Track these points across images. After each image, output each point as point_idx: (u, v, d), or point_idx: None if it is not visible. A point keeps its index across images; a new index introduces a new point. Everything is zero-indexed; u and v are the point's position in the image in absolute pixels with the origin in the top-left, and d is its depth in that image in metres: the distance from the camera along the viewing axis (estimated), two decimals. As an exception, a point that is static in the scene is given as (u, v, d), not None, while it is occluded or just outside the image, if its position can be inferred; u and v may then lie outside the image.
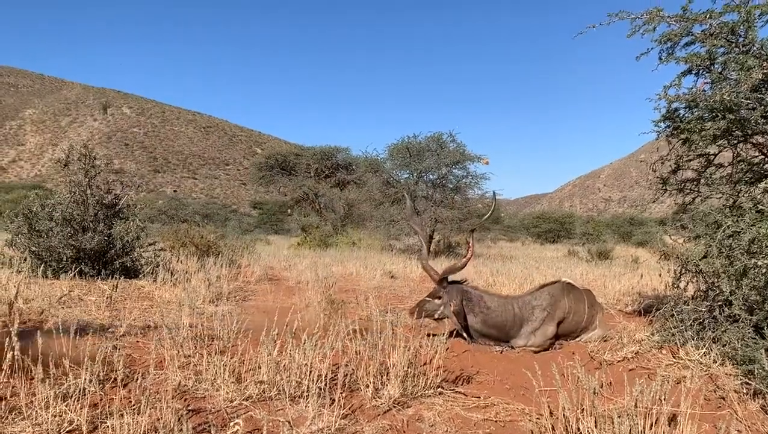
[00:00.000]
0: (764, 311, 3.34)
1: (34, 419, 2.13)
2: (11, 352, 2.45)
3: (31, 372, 2.26)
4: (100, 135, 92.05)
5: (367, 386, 2.72)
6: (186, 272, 6.46)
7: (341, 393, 2.46)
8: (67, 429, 2.11)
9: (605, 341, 4.17)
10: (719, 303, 3.69)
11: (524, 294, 4.24)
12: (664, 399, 2.29)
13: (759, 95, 3.56)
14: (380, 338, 2.92)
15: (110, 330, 3.70)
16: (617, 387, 2.86)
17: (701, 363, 3.39)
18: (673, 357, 3.64)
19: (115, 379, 2.47)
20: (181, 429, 2.02)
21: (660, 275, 4.73)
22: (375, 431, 2.34)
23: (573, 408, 2.28)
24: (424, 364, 2.94)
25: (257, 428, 2.25)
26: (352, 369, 2.86)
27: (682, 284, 4.19)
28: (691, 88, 3.97)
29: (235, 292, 5.96)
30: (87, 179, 5.97)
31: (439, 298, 4.03)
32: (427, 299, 4.11)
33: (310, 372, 2.58)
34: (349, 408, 2.54)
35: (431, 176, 14.41)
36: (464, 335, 4.03)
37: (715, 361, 3.37)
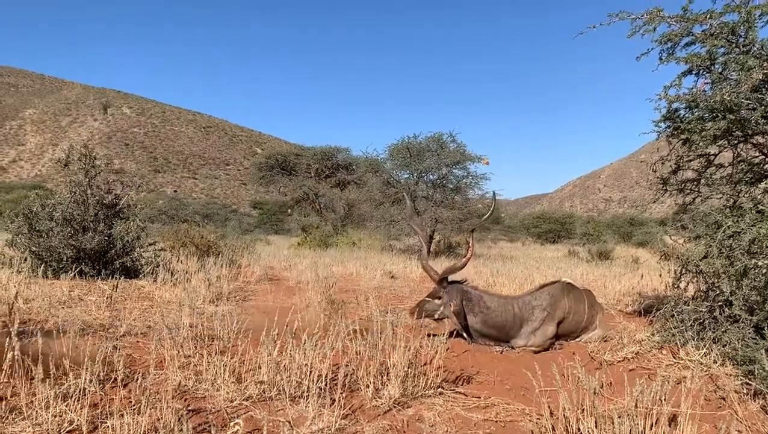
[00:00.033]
0: (764, 311, 3.34)
1: (35, 419, 2.13)
2: (11, 352, 2.45)
3: (32, 372, 2.26)
4: (100, 135, 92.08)
5: (368, 386, 2.72)
6: (186, 272, 6.46)
7: (341, 393, 2.46)
8: (68, 429, 2.11)
9: (605, 341, 4.17)
10: (719, 304, 3.69)
11: (524, 294, 4.24)
12: (665, 400, 2.29)
13: (759, 96, 3.56)
14: (380, 338, 2.92)
15: (110, 330, 3.70)
16: (617, 388, 2.86)
17: (701, 364, 3.39)
18: (674, 358, 3.64)
19: (116, 379, 2.46)
20: (182, 429, 2.02)
21: (660, 276, 4.72)
22: (375, 431, 2.34)
23: (573, 408, 2.28)
24: (425, 364, 2.94)
25: (257, 428, 2.25)
26: (353, 369, 2.86)
27: (682, 285, 4.18)
28: (692, 89, 3.97)
29: (235, 292, 5.96)
30: (87, 179, 5.97)
31: (439, 298, 4.03)
32: (427, 299, 4.11)
33: (311, 372, 2.58)
34: (350, 408, 2.54)
35: (431, 177, 14.41)
36: (464, 335, 4.03)
37: (715, 361, 3.37)
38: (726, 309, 3.60)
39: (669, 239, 4.68)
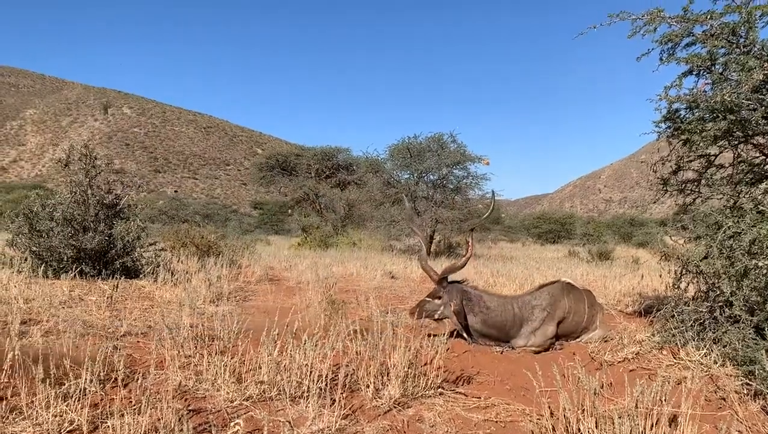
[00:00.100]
0: (765, 312, 3.34)
1: (35, 419, 2.13)
2: (12, 352, 2.45)
3: (32, 372, 2.26)
4: (100, 135, 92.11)
5: (368, 386, 2.72)
6: (186, 273, 6.46)
7: (342, 393, 2.46)
8: (68, 429, 2.11)
9: (606, 341, 4.16)
10: (720, 304, 3.69)
11: (524, 294, 4.24)
12: (665, 400, 2.29)
13: (760, 96, 3.56)
14: (381, 338, 2.92)
15: (111, 330, 3.70)
16: (618, 388, 2.86)
17: (702, 364, 3.39)
18: (674, 358, 3.64)
19: (116, 379, 2.47)
20: (182, 429, 2.02)
21: (660, 276, 4.72)
22: (375, 431, 2.34)
23: (574, 408, 2.28)
24: (425, 364, 2.94)
25: (258, 428, 2.25)
26: (353, 370, 2.86)
27: (682, 285, 4.18)
28: (692, 89, 3.97)
29: (235, 292, 5.95)
30: (88, 179, 5.97)
31: (439, 298, 4.03)
32: (427, 299, 4.11)
33: (311, 372, 2.58)
34: (350, 409, 2.54)
35: (432, 177, 14.41)
36: (464, 335, 4.03)
37: (715, 362, 3.37)
38: (726, 310, 3.59)
39: (669, 240, 4.68)
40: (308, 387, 2.53)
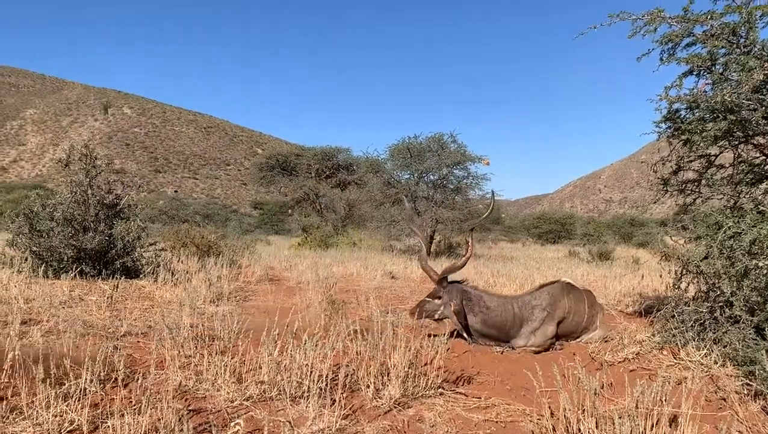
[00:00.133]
0: (765, 312, 3.34)
1: (35, 419, 2.13)
2: (12, 352, 2.45)
3: (32, 371, 2.26)
4: (101, 135, 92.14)
5: (368, 386, 2.72)
6: (187, 273, 6.46)
7: (342, 393, 2.46)
8: (68, 429, 2.11)
9: (606, 342, 4.16)
10: (720, 304, 3.69)
11: (524, 294, 4.24)
12: (665, 400, 2.29)
13: (760, 96, 3.56)
14: (381, 338, 2.92)
15: (111, 330, 3.70)
16: (618, 388, 2.86)
17: (702, 364, 3.39)
18: (674, 358, 3.63)
19: (116, 379, 2.46)
20: (182, 429, 2.02)
21: (661, 276, 4.72)
22: (376, 431, 2.34)
23: (574, 408, 2.28)
24: (425, 365, 2.94)
25: (258, 428, 2.25)
26: (353, 370, 2.86)
27: (683, 285, 4.18)
28: (692, 89, 3.97)
29: (235, 292, 5.96)
30: (88, 179, 5.97)
31: (439, 298, 4.03)
32: (427, 299, 4.11)
33: (311, 372, 2.58)
34: (350, 409, 2.54)
35: (432, 177, 14.41)
36: (464, 335, 4.03)
37: (716, 362, 3.37)
38: (727, 310, 3.59)
39: (670, 240, 4.68)
40: (308, 387, 2.53)
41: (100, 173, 6.10)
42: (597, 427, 2.22)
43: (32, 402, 2.20)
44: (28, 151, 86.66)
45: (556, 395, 2.41)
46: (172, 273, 6.03)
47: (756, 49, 3.65)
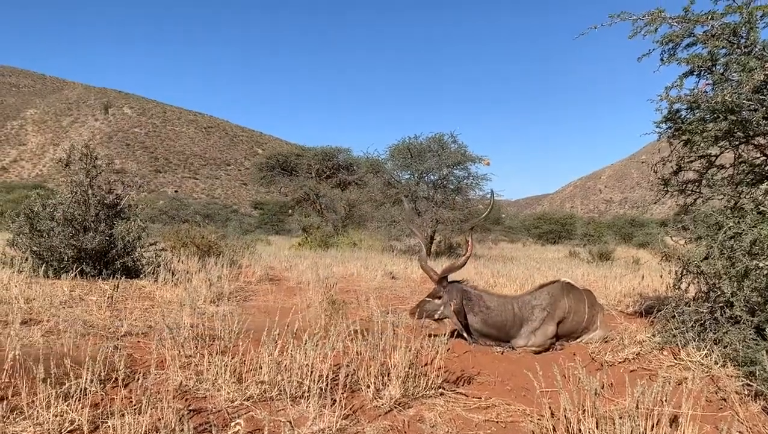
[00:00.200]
0: (766, 312, 3.34)
1: (36, 419, 2.13)
2: (12, 352, 2.45)
3: (33, 371, 2.26)
4: (101, 135, 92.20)
5: (368, 386, 2.72)
6: (187, 272, 6.46)
7: (342, 393, 2.46)
8: (69, 429, 2.11)
9: (606, 342, 4.16)
10: (720, 305, 3.69)
11: (524, 294, 4.24)
12: (666, 401, 2.29)
13: (761, 97, 3.56)
14: (381, 338, 2.92)
15: (111, 329, 3.70)
16: (618, 388, 2.86)
17: (702, 365, 3.39)
18: (675, 359, 3.63)
19: (117, 379, 2.46)
20: (182, 429, 2.02)
21: (661, 277, 4.72)
22: (376, 431, 2.34)
23: (574, 409, 2.28)
24: (425, 365, 2.94)
25: (258, 428, 2.25)
26: (353, 370, 2.86)
27: (683, 286, 4.18)
28: (693, 90, 3.97)
29: (236, 292, 5.96)
30: (88, 179, 5.97)
31: (439, 298, 4.03)
32: (428, 299, 4.11)
33: (311, 372, 2.58)
34: (351, 409, 2.54)
35: (432, 177, 14.41)
36: (465, 335, 4.03)
37: (716, 362, 3.37)
38: (727, 310, 3.59)
39: (670, 240, 4.68)
40: (309, 387, 2.53)
41: (100, 173, 6.10)
42: (597, 427, 2.22)
43: (33, 401, 2.20)
44: (28, 151, 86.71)
45: (556, 395, 2.41)
46: (173, 273, 6.03)
47: (756, 49, 3.64)
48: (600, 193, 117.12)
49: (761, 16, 3.63)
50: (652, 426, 2.21)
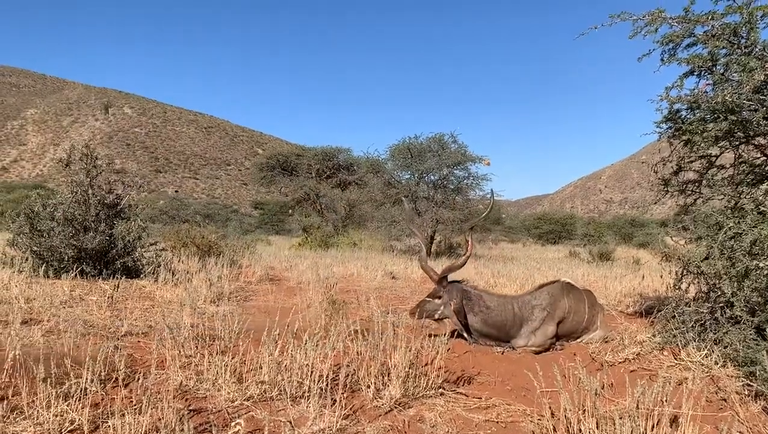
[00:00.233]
0: (766, 312, 3.34)
1: (36, 418, 2.14)
2: (13, 352, 2.45)
3: (33, 371, 2.26)
4: (101, 135, 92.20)
5: (369, 386, 2.72)
6: (187, 272, 6.46)
7: (342, 393, 2.46)
8: (69, 429, 2.12)
9: (606, 342, 4.16)
10: (721, 305, 3.69)
11: (524, 294, 4.24)
12: (666, 401, 2.29)
13: (761, 97, 3.56)
14: (381, 338, 2.92)
15: (111, 329, 3.70)
16: (619, 389, 2.86)
17: (703, 365, 3.39)
18: (675, 359, 3.63)
19: (117, 379, 2.47)
20: (183, 429, 2.02)
21: (661, 277, 4.72)
22: (376, 431, 2.34)
23: (574, 409, 2.28)
24: (426, 365, 2.94)
25: (258, 428, 2.25)
26: (354, 370, 2.86)
27: (683, 286, 4.18)
28: (693, 90, 3.97)
29: (236, 292, 5.96)
30: (88, 179, 5.97)
31: (439, 298, 4.03)
32: (428, 299, 4.11)
33: (312, 372, 2.58)
34: (351, 409, 2.54)
35: (432, 177, 14.40)
36: (465, 335, 4.03)
37: (716, 363, 3.37)
38: (727, 310, 3.59)
39: (670, 240, 4.68)
40: (309, 387, 2.53)
41: (100, 172, 6.10)
42: (598, 427, 2.22)
43: (33, 401, 2.20)
44: (28, 151, 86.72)
45: (556, 395, 2.41)
46: (173, 273, 6.03)
47: (757, 49, 3.64)
48: (600, 193, 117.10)
49: (761, 17, 3.63)
50: (653, 427, 2.21)
